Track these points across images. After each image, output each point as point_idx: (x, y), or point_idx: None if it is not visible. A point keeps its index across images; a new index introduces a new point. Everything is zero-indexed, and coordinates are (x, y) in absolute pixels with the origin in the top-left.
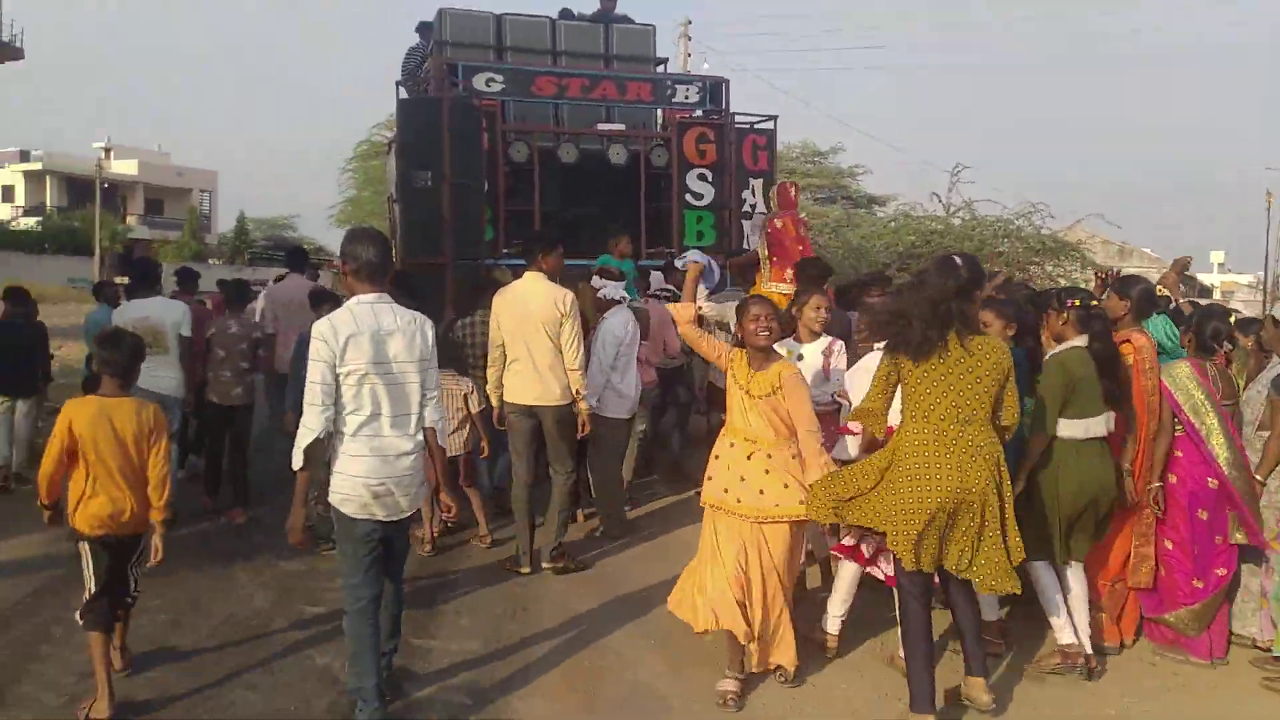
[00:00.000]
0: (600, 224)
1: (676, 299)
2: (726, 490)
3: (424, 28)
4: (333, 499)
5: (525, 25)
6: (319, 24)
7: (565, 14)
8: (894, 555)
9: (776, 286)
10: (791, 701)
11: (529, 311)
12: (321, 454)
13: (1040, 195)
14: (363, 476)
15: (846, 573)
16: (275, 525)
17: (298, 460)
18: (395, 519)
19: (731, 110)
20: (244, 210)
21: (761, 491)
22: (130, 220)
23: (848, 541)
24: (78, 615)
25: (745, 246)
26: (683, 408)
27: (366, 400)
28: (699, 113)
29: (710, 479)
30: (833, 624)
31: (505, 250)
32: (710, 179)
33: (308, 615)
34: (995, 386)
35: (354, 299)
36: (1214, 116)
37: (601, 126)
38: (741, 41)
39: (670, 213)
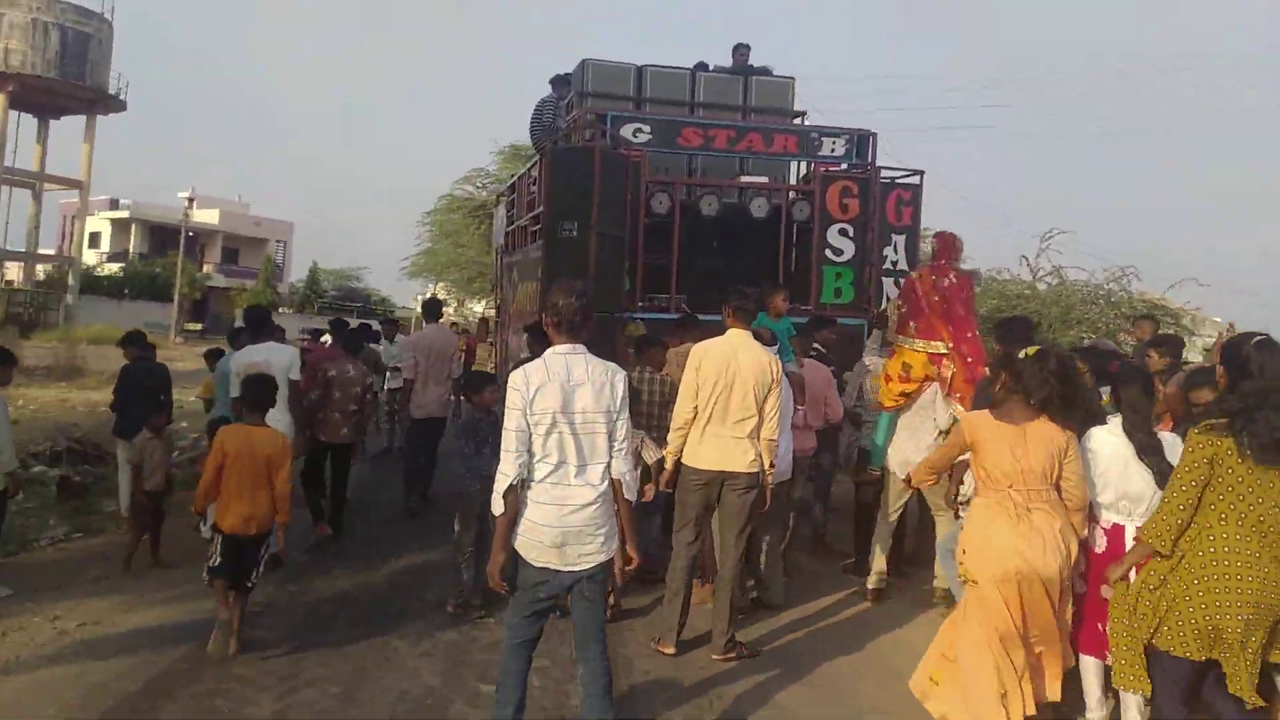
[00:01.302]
0: (739, 278)
1: (827, 359)
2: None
3: (558, 80)
4: (516, 543)
5: (665, 77)
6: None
7: (701, 66)
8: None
9: (912, 344)
10: None
11: (738, 371)
12: (518, 500)
13: (1138, 262)
14: (544, 523)
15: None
16: (418, 586)
17: (497, 506)
18: (574, 570)
19: (877, 164)
20: (316, 260)
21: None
22: (208, 268)
23: None
24: (204, 574)
25: (886, 303)
26: (825, 474)
27: (554, 449)
28: (844, 166)
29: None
30: None
31: (640, 303)
32: (851, 234)
33: (484, 693)
34: None
35: (550, 349)
36: None
37: (744, 179)
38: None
39: (810, 268)
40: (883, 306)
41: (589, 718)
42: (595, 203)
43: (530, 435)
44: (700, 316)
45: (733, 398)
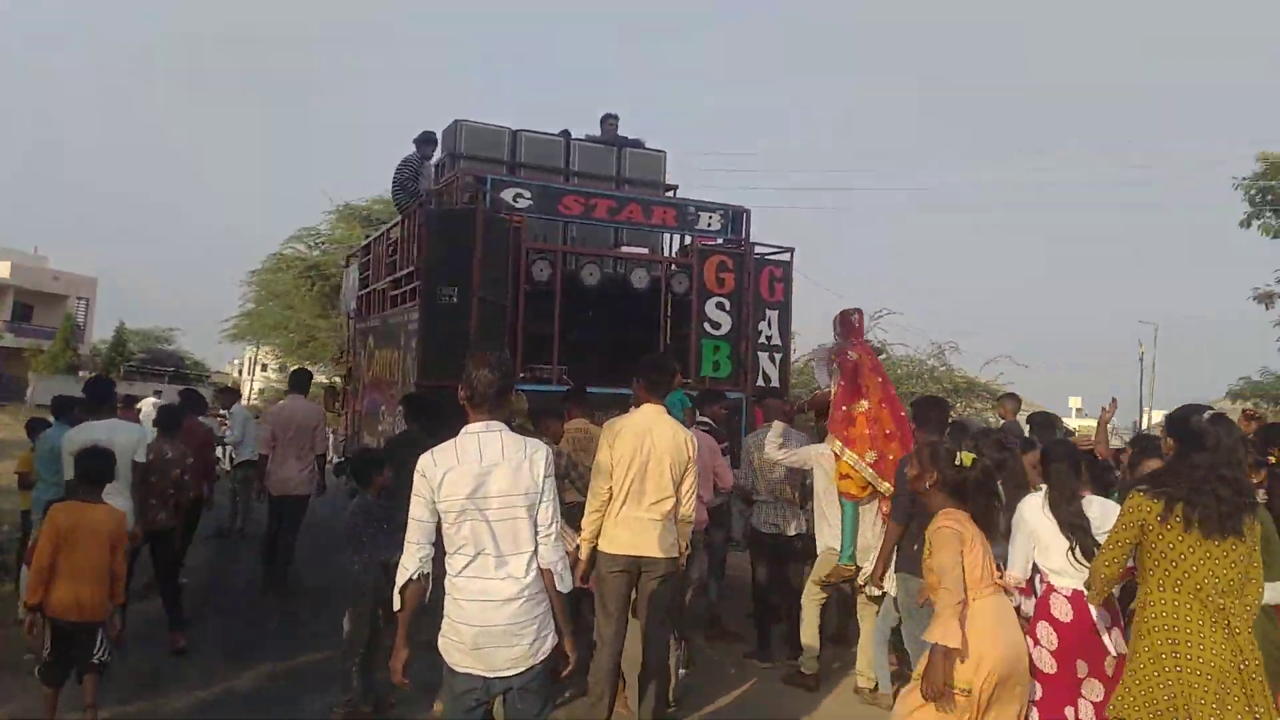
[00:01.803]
0: (619, 349)
1: (716, 433)
2: None
3: (422, 139)
4: (440, 644)
5: (540, 143)
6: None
7: (564, 134)
8: None
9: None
10: None
11: (653, 449)
12: (420, 595)
13: (961, 338)
14: (464, 622)
15: None
16: (294, 693)
17: (396, 602)
18: (502, 676)
19: (751, 240)
20: (123, 320)
21: None
22: None
23: None
24: (37, 673)
25: (762, 380)
26: (717, 550)
27: (468, 538)
28: (719, 241)
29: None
30: None
31: (522, 374)
32: (728, 308)
33: None
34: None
35: (464, 429)
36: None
37: (624, 249)
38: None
39: (688, 340)
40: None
41: None
42: (477, 268)
43: (433, 526)
44: (588, 388)
45: (648, 477)
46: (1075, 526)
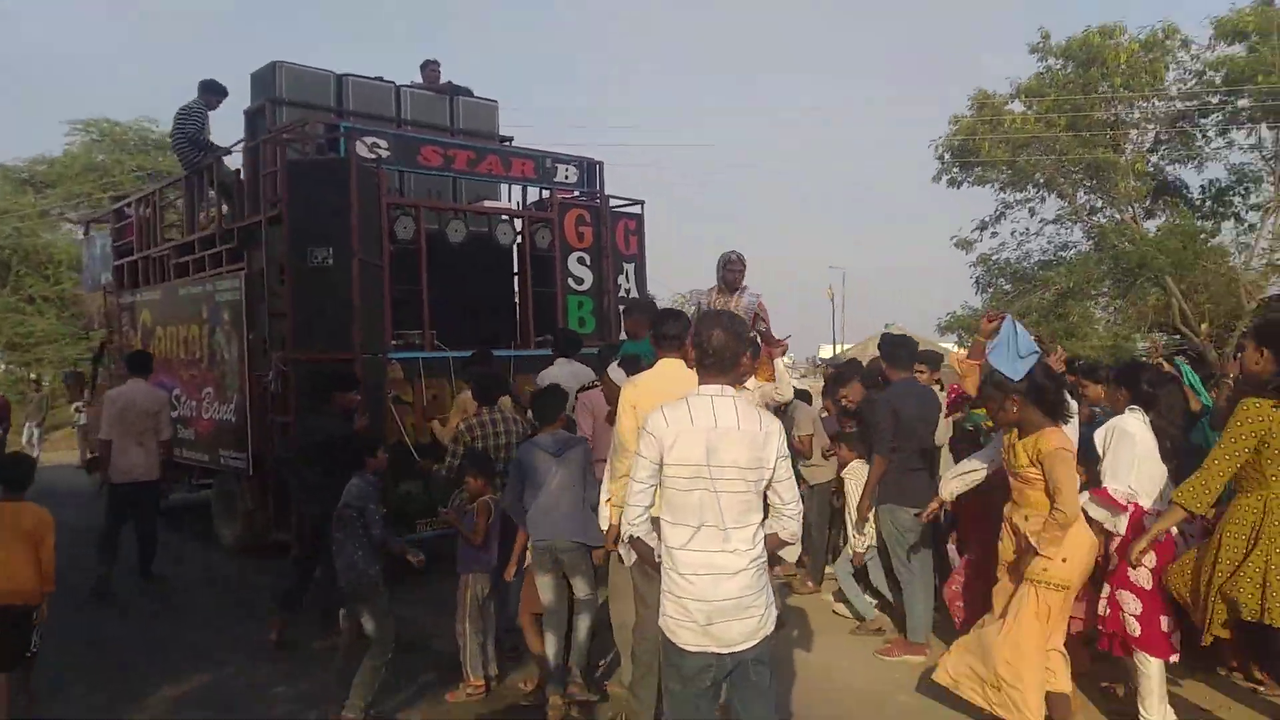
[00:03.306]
0: (487, 309)
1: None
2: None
3: (209, 87)
4: (663, 623)
5: (368, 88)
6: None
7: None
8: None
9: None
10: None
11: None
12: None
13: None
14: (695, 598)
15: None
16: None
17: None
18: (736, 650)
19: (605, 193)
20: None
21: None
22: None
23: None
24: None
25: (624, 334)
26: None
27: (696, 508)
28: (576, 194)
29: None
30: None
31: (395, 341)
32: (589, 262)
33: None
34: None
35: (693, 390)
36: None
37: (487, 203)
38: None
39: (553, 297)
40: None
41: None
42: (356, 225)
43: (655, 489)
44: (455, 353)
45: None
46: (1176, 452)
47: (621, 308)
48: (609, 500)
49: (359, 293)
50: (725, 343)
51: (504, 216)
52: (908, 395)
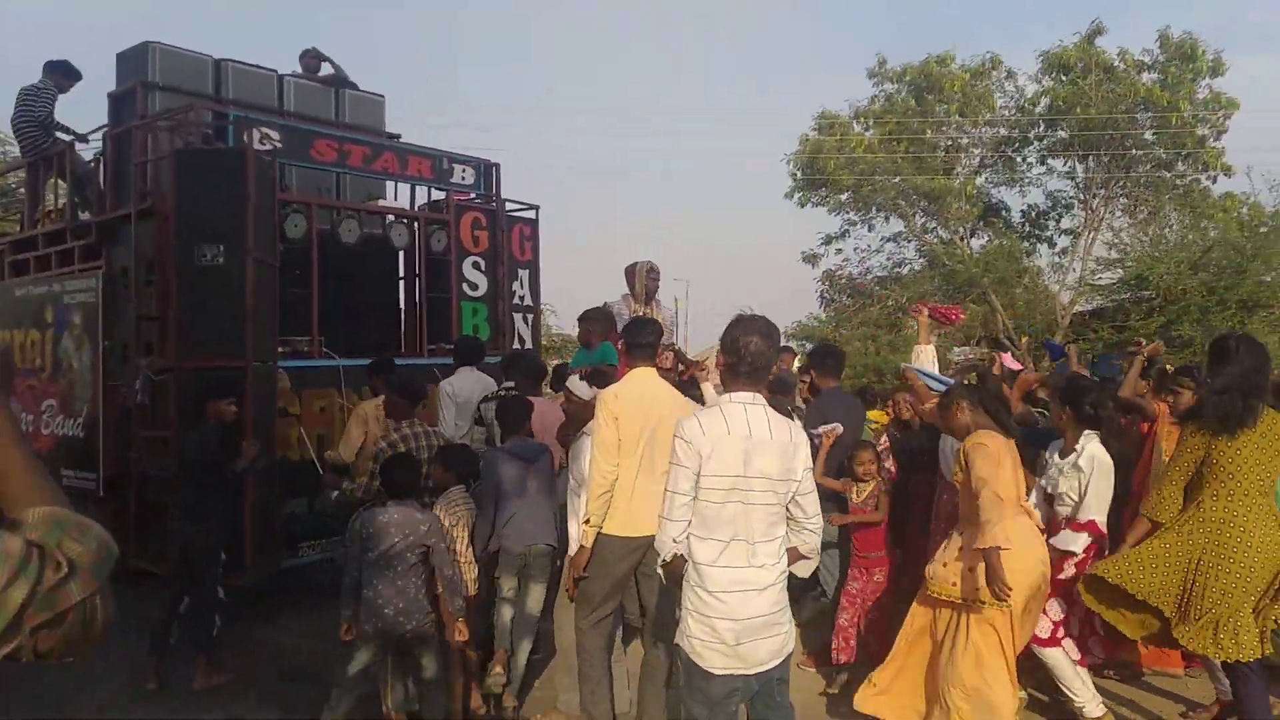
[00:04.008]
0: (380, 314)
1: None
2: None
3: (57, 68)
4: (685, 644)
5: (249, 76)
6: None
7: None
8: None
9: None
10: None
11: (661, 417)
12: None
13: None
14: (725, 617)
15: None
16: None
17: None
18: (763, 669)
19: (502, 196)
20: None
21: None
22: None
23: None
24: None
25: (517, 342)
26: None
27: (730, 521)
28: (473, 196)
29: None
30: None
31: (281, 349)
32: (483, 268)
33: None
34: None
35: (726, 396)
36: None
37: (381, 203)
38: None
39: (447, 303)
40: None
41: None
42: (251, 221)
43: (692, 501)
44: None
45: (658, 448)
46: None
47: (579, 316)
48: (587, 520)
49: (252, 294)
50: (762, 349)
51: (398, 218)
52: (837, 404)
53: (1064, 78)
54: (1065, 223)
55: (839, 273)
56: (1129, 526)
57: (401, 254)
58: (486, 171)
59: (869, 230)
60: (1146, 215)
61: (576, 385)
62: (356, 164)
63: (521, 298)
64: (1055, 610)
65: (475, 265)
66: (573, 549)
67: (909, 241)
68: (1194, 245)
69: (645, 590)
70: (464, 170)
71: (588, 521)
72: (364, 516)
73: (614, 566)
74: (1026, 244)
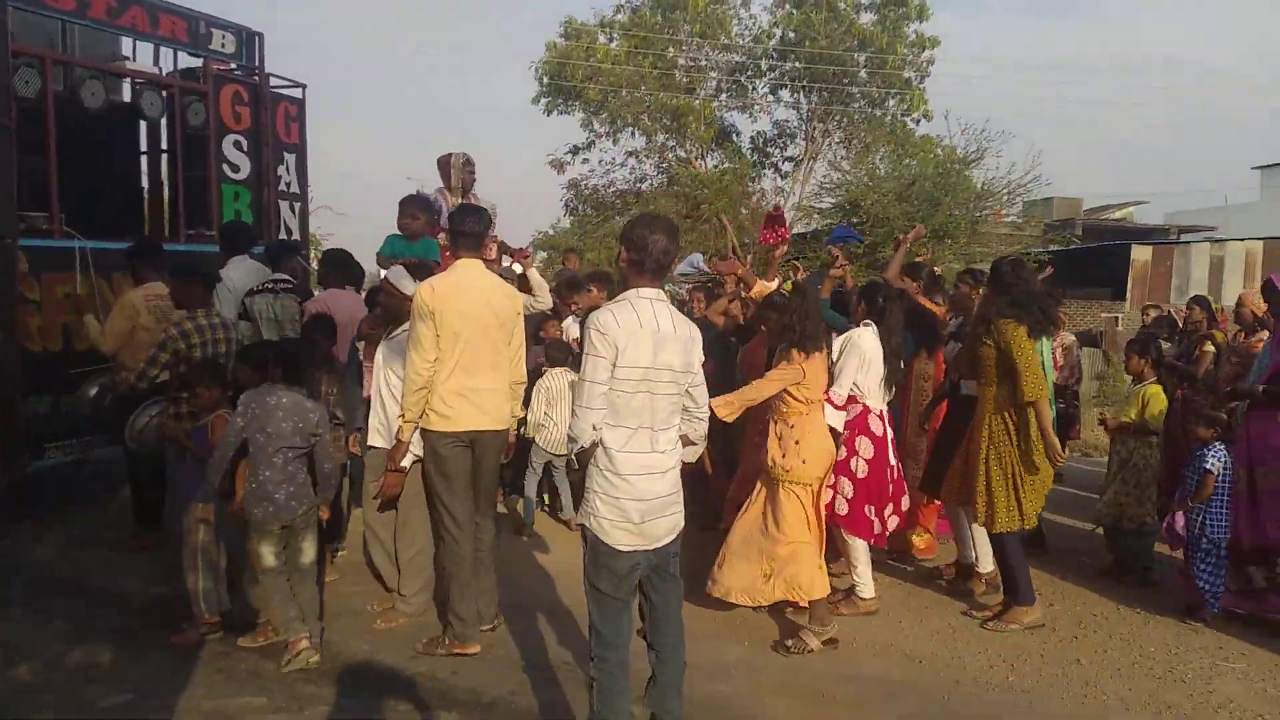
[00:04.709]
0: (128, 192)
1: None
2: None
3: None
4: (593, 524)
5: None
6: None
7: None
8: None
9: None
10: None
11: (495, 315)
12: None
13: None
14: (633, 498)
15: (864, 548)
16: None
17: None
18: (660, 545)
19: (266, 70)
20: None
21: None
22: None
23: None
24: None
25: (284, 232)
26: None
27: (638, 411)
28: (234, 67)
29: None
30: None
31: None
32: (246, 148)
33: None
34: None
35: (632, 292)
36: None
37: (130, 65)
38: None
39: (208, 185)
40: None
41: (663, 712)
42: None
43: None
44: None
45: (482, 342)
46: (898, 356)
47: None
48: (402, 416)
49: None
50: (666, 247)
51: (149, 84)
52: None
53: (795, 11)
54: (790, 150)
55: (585, 183)
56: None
57: (145, 126)
58: (249, 41)
59: (614, 144)
60: (861, 149)
61: (400, 277)
62: (100, 16)
63: (288, 184)
64: (847, 488)
65: (237, 145)
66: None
67: (648, 158)
68: (900, 179)
69: (478, 476)
70: (224, 37)
71: (403, 417)
72: (254, 399)
73: (450, 462)
74: (754, 170)
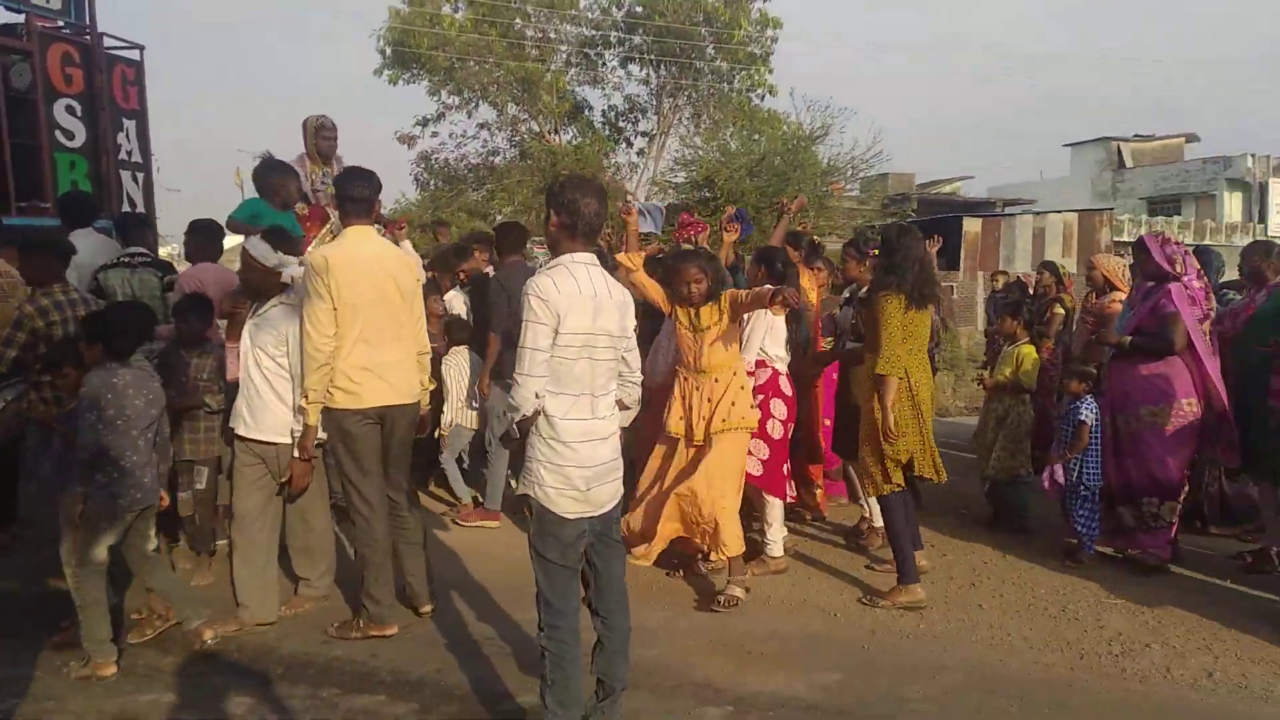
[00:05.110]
0: None
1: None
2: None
3: None
4: (538, 493)
5: None
6: None
7: None
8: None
9: None
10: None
11: (396, 284)
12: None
13: None
14: (577, 465)
15: (779, 508)
16: None
17: (511, 436)
18: (604, 511)
19: (99, 30)
20: None
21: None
22: None
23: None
24: None
25: (127, 204)
26: None
27: (579, 377)
28: (61, 25)
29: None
30: (779, 548)
31: None
32: (80, 113)
33: None
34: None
35: (567, 257)
36: None
37: None
38: None
39: (39, 153)
40: None
41: (611, 677)
42: None
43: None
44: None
45: (384, 313)
46: (798, 319)
47: (256, 164)
48: (306, 397)
49: None
50: (598, 210)
51: None
52: (518, 276)
53: None
54: (641, 125)
55: (435, 156)
56: None
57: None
58: None
59: (468, 117)
60: (710, 124)
61: (258, 247)
62: None
63: (129, 152)
64: (763, 450)
65: (70, 110)
66: (280, 433)
67: (500, 131)
68: (751, 155)
69: (388, 452)
70: None
71: (306, 398)
72: (99, 380)
73: (360, 440)
74: (608, 144)
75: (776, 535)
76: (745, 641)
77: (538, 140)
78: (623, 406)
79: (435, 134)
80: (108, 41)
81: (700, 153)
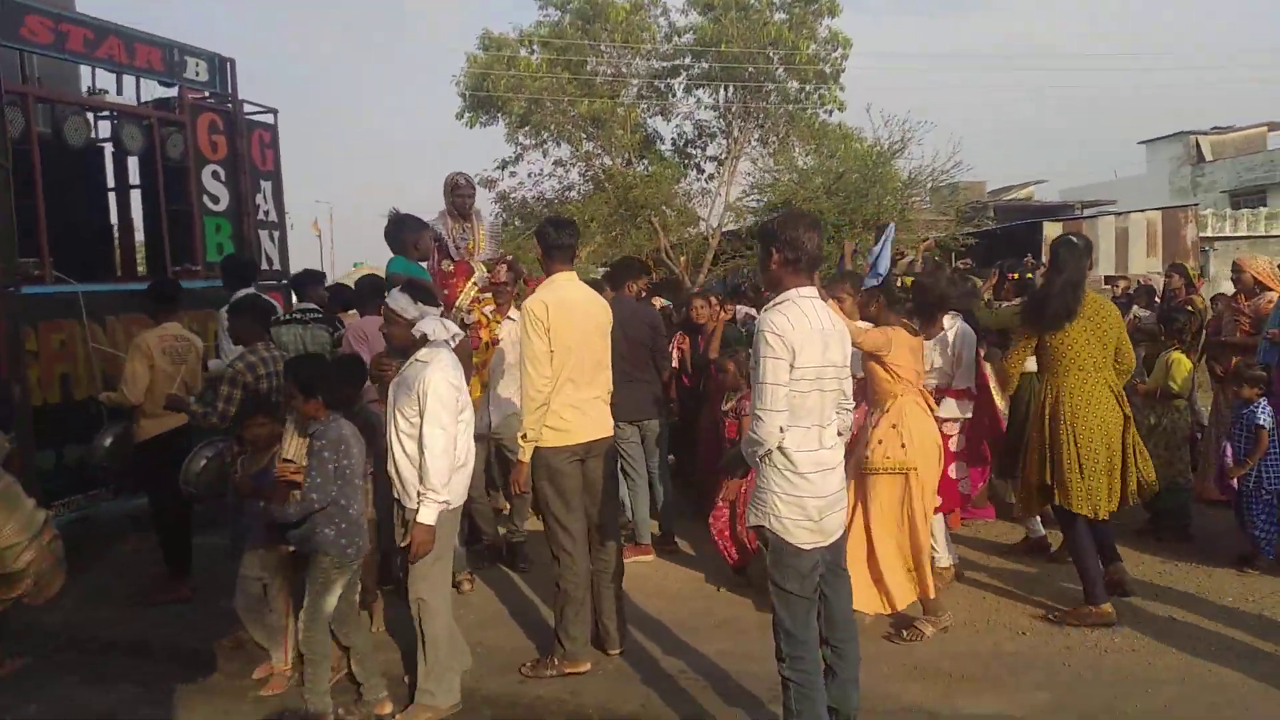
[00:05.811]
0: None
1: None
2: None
3: None
4: (775, 525)
5: None
6: None
7: None
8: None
9: None
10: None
11: (596, 325)
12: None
13: None
14: (814, 495)
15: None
16: None
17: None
18: (834, 540)
19: (239, 97)
20: None
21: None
22: None
23: None
24: None
25: (265, 262)
26: None
27: (812, 409)
28: (207, 95)
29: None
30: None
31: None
32: (224, 178)
33: None
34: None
35: (793, 292)
36: None
37: (111, 99)
38: None
39: (189, 218)
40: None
41: (845, 705)
42: None
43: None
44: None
45: (589, 354)
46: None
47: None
48: (524, 436)
49: None
50: (818, 243)
51: (127, 117)
52: (622, 312)
53: (708, 15)
54: (711, 150)
55: (513, 195)
56: None
57: (112, 161)
58: (221, 67)
59: (543, 156)
60: (778, 145)
61: (399, 300)
62: (78, 49)
63: (266, 212)
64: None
65: (215, 175)
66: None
67: (573, 166)
68: (828, 173)
69: (590, 498)
70: (197, 64)
71: (524, 437)
72: (335, 431)
73: (566, 478)
74: (679, 171)
75: (943, 546)
76: (942, 664)
77: (611, 173)
78: (842, 430)
79: (514, 173)
80: (246, 108)
81: (775, 175)
